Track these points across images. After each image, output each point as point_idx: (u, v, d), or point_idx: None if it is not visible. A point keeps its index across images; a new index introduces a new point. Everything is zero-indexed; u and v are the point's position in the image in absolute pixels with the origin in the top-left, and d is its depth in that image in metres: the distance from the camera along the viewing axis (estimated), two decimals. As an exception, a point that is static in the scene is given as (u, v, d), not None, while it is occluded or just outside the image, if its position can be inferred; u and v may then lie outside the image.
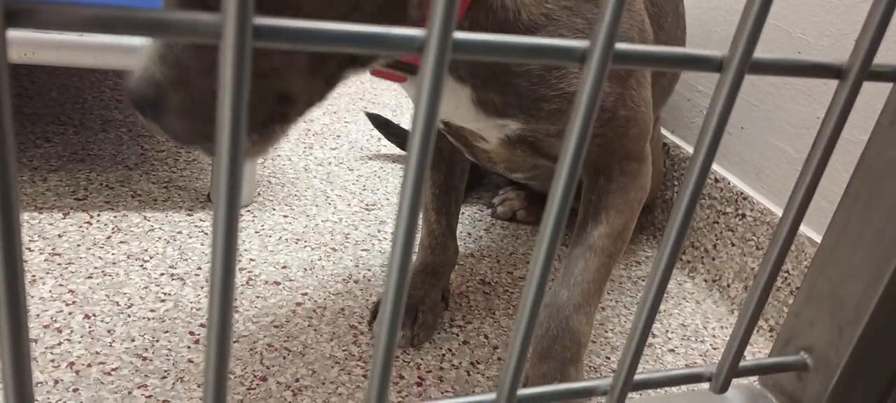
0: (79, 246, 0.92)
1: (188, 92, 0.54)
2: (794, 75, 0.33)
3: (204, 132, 0.55)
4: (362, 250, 1.02)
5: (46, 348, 0.75)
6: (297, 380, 0.76)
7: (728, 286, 1.04)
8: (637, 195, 0.77)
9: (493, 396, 0.36)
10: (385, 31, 0.23)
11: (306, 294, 0.91)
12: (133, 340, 0.78)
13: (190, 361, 0.76)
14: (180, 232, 0.98)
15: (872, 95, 0.81)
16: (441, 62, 0.23)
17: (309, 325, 0.85)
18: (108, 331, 0.78)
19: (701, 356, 0.91)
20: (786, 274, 0.95)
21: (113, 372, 0.73)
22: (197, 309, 0.84)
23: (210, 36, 0.20)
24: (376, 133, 1.44)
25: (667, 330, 0.95)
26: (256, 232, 1.02)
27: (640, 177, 0.77)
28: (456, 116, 0.70)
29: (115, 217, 0.99)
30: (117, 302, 0.83)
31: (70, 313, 0.80)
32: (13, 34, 0.83)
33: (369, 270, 0.98)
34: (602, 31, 0.25)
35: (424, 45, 0.23)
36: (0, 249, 0.20)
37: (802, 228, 0.94)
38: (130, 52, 0.90)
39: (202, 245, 0.96)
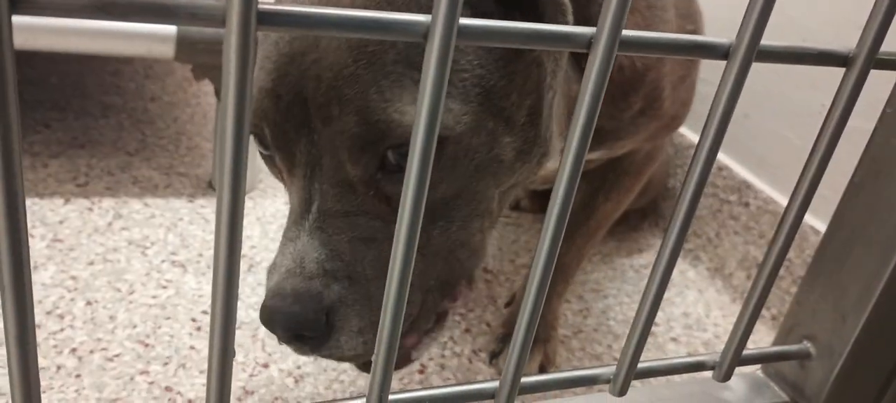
0: (80, 232, 0.91)
1: (367, 307, 0.47)
2: (800, 63, 0.33)
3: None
4: (364, 237, 1.02)
5: (49, 334, 0.75)
6: (299, 367, 0.76)
7: (730, 275, 1.04)
8: (650, 170, 0.81)
9: (495, 384, 0.36)
10: (388, 16, 0.23)
11: (308, 281, 0.91)
12: (135, 326, 0.78)
13: (191, 348, 0.76)
14: (181, 219, 0.98)
15: (879, 83, 0.80)
16: (446, 48, 0.22)
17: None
18: (110, 318, 0.78)
19: (703, 345, 0.91)
20: (788, 263, 0.95)
21: (115, 359, 0.73)
22: (198, 296, 0.84)
23: (214, 22, 0.20)
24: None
25: (669, 319, 0.95)
26: (258, 219, 1.02)
27: (657, 156, 0.81)
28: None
29: (116, 203, 0.99)
30: (119, 289, 0.83)
31: (72, 299, 0.80)
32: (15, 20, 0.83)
33: (371, 257, 0.98)
34: (609, 17, 0.25)
35: (429, 31, 0.23)
36: (5, 236, 0.20)
37: (805, 217, 0.94)
38: (131, 38, 0.89)
39: (203, 232, 0.96)
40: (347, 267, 0.46)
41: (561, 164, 0.28)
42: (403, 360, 0.53)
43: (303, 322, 0.45)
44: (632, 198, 0.83)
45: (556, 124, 0.55)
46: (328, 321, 0.46)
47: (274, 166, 0.53)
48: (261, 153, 0.53)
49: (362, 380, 0.76)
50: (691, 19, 0.72)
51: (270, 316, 0.45)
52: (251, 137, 0.51)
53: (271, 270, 0.49)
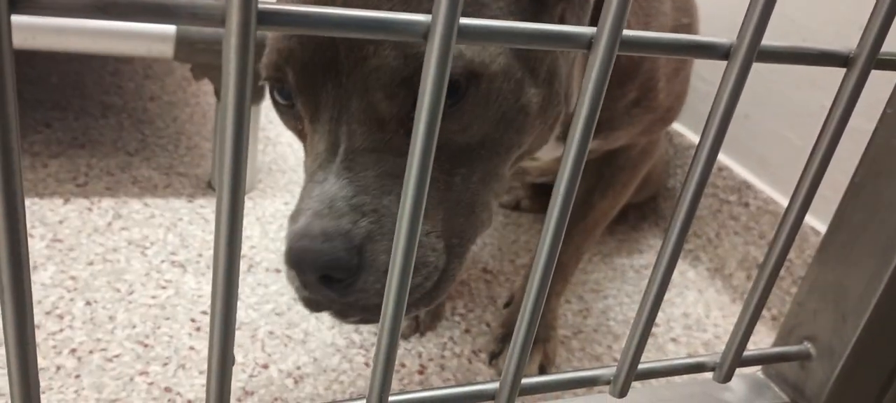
0: (79, 232, 0.91)
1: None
2: (801, 63, 0.33)
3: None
4: (364, 237, 1.02)
5: (48, 334, 0.75)
6: (298, 368, 0.76)
7: (730, 275, 1.04)
8: (646, 166, 0.82)
9: (495, 385, 0.36)
10: (389, 16, 0.23)
11: (308, 281, 0.91)
12: (134, 327, 0.78)
13: (191, 348, 0.76)
14: (181, 219, 0.98)
15: (879, 83, 0.80)
16: (446, 47, 0.22)
17: (310, 313, 0.85)
18: (110, 318, 0.78)
19: (703, 345, 0.91)
20: (788, 264, 0.95)
21: (114, 359, 0.73)
22: (198, 296, 0.84)
23: (214, 22, 0.20)
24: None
25: (669, 320, 0.95)
26: (257, 219, 1.02)
27: (653, 152, 0.81)
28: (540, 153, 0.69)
29: (115, 203, 0.99)
30: (118, 289, 0.83)
31: (71, 299, 0.80)
32: (15, 19, 0.83)
33: (371, 258, 0.98)
34: (609, 17, 0.25)
35: (429, 31, 0.23)
36: (4, 236, 0.20)
37: (805, 217, 0.94)
38: (131, 37, 0.89)
39: (203, 232, 0.96)
40: (375, 202, 0.45)
41: (562, 163, 0.28)
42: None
43: (334, 261, 0.43)
44: (628, 195, 0.83)
45: (575, 85, 0.56)
46: (358, 262, 0.44)
47: (291, 117, 0.52)
48: (277, 103, 0.52)
49: (362, 381, 0.76)
50: (687, 13, 0.72)
51: (300, 257, 0.44)
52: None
53: (295, 215, 0.47)
